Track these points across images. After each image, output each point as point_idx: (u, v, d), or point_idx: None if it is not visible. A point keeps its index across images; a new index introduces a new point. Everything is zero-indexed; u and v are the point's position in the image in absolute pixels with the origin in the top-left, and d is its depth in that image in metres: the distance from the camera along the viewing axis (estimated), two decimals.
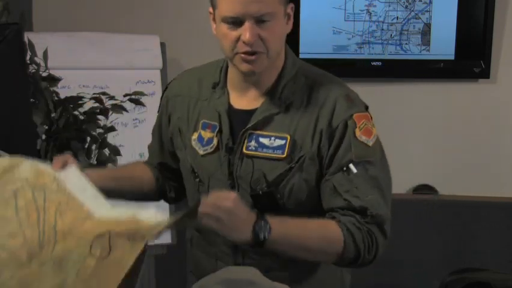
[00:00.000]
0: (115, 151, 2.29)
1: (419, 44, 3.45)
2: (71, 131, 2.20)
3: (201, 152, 1.86)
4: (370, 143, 1.82)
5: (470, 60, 3.44)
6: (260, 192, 1.82)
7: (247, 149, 1.82)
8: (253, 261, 1.81)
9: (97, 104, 2.28)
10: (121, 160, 2.30)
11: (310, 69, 1.89)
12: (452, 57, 3.44)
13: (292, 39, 3.38)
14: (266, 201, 1.83)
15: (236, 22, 1.72)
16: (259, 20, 1.71)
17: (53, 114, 2.19)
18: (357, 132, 1.81)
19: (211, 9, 1.80)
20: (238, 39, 1.73)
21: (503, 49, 3.47)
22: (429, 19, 3.42)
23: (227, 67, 1.88)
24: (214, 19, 1.79)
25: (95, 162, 2.26)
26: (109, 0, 3.59)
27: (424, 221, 3.31)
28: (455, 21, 3.40)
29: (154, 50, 3.30)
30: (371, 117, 1.87)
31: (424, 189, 3.55)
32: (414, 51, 3.45)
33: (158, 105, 2.02)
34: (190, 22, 3.54)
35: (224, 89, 1.87)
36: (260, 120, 1.82)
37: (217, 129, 1.84)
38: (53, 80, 2.24)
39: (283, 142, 1.81)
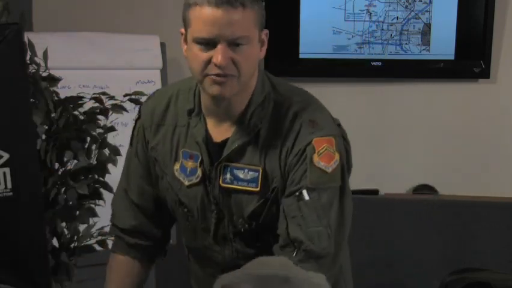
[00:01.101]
0: (115, 151, 2.29)
1: (419, 44, 3.45)
2: (71, 131, 2.19)
3: (186, 183, 1.82)
4: (329, 170, 1.73)
5: (470, 60, 3.44)
6: (242, 229, 1.82)
7: (223, 181, 1.78)
8: None
9: (97, 104, 2.27)
10: (121, 160, 2.29)
11: (280, 93, 1.81)
12: (452, 57, 3.44)
13: (293, 39, 3.40)
14: (249, 237, 1.82)
15: (209, 43, 1.66)
16: (233, 43, 1.66)
17: (53, 114, 2.18)
18: (315, 158, 1.73)
19: (182, 30, 1.74)
20: (209, 61, 1.67)
21: (503, 49, 3.47)
22: (429, 19, 3.42)
23: (200, 91, 1.82)
24: (185, 40, 1.73)
25: (95, 162, 2.25)
26: (109, 0, 3.59)
27: (424, 221, 3.30)
28: (455, 21, 3.40)
29: (154, 50, 3.30)
30: (342, 136, 1.81)
31: (424, 189, 3.55)
32: (414, 51, 3.46)
33: (132, 135, 1.95)
34: None
35: (200, 116, 1.81)
36: (232, 151, 1.77)
37: (199, 159, 1.80)
38: (53, 80, 2.24)
39: (256, 174, 1.76)
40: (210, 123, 1.81)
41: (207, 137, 1.80)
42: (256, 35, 1.70)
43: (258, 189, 1.76)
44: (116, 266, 1.99)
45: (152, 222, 1.95)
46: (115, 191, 2.27)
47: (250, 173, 1.76)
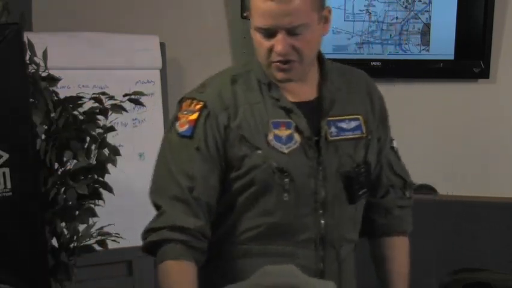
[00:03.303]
0: (115, 151, 2.29)
1: (418, 44, 3.45)
2: (70, 131, 2.19)
3: (286, 151, 1.82)
4: None
5: (470, 60, 3.44)
6: (353, 174, 1.87)
7: (331, 136, 1.85)
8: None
9: (96, 104, 2.27)
10: (120, 160, 2.29)
11: (329, 60, 1.97)
12: (452, 58, 3.44)
13: None
14: (356, 184, 1.88)
15: (268, 33, 1.74)
16: (292, 32, 1.73)
17: (52, 114, 2.19)
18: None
19: (248, 14, 1.80)
20: (271, 48, 1.75)
21: (503, 49, 3.47)
22: (428, 19, 3.42)
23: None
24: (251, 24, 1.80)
25: (94, 162, 2.26)
26: (108, 1, 3.59)
27: (423, 221, 3.30)
28: (455, 21, 3.40)
29: (153, 50, 3.30)
30: None
31: (424, 189, 3.55)
32: (413, 51, 3.45)
33: (193, 124, 1.83)
34: (190, 22, 3.54)
35: (278, 88, 1.85)
36: (334, 107, 1.87)
37: (293, 125, 1.83)
38: (53, 80, 2.24)
39: (358, 123, 1.90)
40: (286, 92, 1.86)
41: (294, 103, 1.86)
42: (315, 17, 1.76)
43: (364, 134, 1.91)
44: (187, 275, 1.77)
45: (210, 222, 1.84)
46: (114, 191, 2.27)
47: (352, 122, 1.90)
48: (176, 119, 1.86)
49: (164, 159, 1.84)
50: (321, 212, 1.85)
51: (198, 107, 1.83)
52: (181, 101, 1.88)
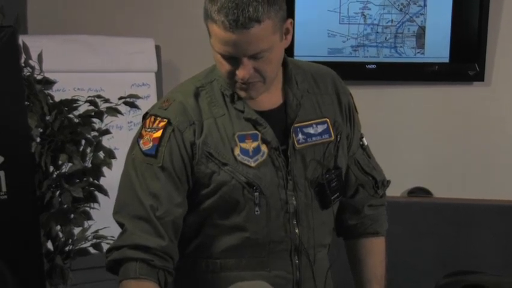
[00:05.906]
0: (110, 154, 2.28)
1: (413, 47, 3.45)
2: (65, 134, 2.19)
3: (253, 164, 1.79)
4: None
5: (465, 63, 3.45)
6: (324, 181, 1.85)
7: (298, 143, 1.82)
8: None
9: (91, 107, 2.27)
10: (116, 163, 2.29)
11: (295, 60, 1.94)
12: (447, 60, 3.45)
13: None
14: (328, 190, 1.86)
15: (229, 58, 1.70)
16: (254, 57, 1.69)
17: (47, 117, 2.18)
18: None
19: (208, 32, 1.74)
20: (233, 71, 1.71)
21: (498, 52, 3.48)
22: (424, 22, 3.43)
23: None
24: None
25: (89, 165, 2.25)
26: (103, 3, 3.59)
27: (419, 223, 3.31)
28: (450, 24, 3.41)
29: (149, 53, 3.31)
30: None
31: (419, 192, 3.56)
32: (409, 54, 3.46)
33: (157, 142, 1.79)
34: (185, 25, 3.54)
35: (241, 98, 1.80)
36: (300, 112, 1.83)
37: (259, 137, 1.80)
38: (48, 82, 2.24)
39: (325, 126, 1.87)
40: (251, 102, 1.82)
41: (259, 112, 1.82)
42: (277, 37, 1.71)
43: (333, 138, 1.88)
44: None
45: (176, 243, 1.81)
46: (109, 194, 2.27)
47: (319, 126, 1.86)
48: (140, 136, 1.82)
49: (129, 178, 1.81)
50: (294, 222, 1.84)
51: (162, 124, 1.79)
52: (144, 117, 1.85)
